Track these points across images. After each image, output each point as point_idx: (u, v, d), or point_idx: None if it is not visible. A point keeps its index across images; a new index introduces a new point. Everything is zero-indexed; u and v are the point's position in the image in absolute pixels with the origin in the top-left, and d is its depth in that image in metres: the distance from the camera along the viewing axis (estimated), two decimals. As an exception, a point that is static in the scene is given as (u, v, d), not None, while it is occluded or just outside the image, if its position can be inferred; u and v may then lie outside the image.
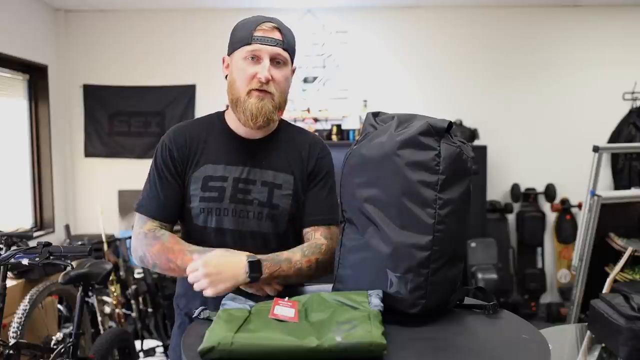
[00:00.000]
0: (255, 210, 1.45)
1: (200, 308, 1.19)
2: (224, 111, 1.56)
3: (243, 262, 1.29)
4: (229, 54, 1.47)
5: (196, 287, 1.27)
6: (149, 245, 1.42)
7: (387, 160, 1.16)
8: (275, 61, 1.42)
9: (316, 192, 1.50)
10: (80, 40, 5.03)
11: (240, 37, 1.42)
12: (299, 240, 1.51)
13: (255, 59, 1.41)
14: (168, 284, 4.25)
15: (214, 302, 1.24)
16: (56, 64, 4.86)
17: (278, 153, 1.50)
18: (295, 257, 1.38)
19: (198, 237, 1.47)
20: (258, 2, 4.70)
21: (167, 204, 1.47)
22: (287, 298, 1.17)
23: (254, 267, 1.29)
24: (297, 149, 1.52)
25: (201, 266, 1.27)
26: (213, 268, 1.26)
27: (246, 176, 1.46)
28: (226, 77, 1.48)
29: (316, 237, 1.47)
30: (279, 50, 1.41)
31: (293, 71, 1.51)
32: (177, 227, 1.54)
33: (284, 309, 1.11)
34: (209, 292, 1.26)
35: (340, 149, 1.99)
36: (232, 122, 1.51)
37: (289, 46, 1.44)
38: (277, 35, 1.41)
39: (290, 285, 1.40)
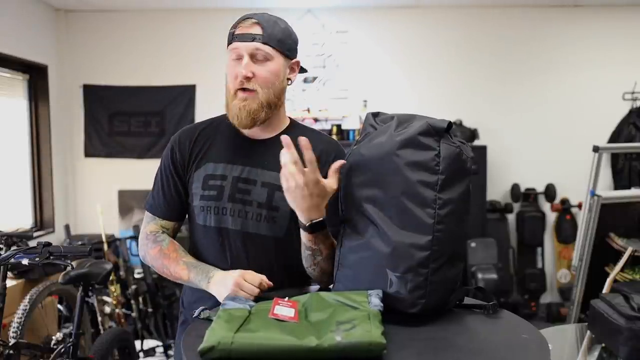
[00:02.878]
0: (254, 212, 1.42)
1: (200, 308, 1.19)
2: None
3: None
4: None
5: None
6: (149, 247, 1.48)
7: (387, 160, 1.16)
8: (256, 57, 1.38)
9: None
10: (80, 40, 5.03)
11: (228, 37, 1.42)
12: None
13: (239, 58, 1.38)
14: (168, 284, 4.25)
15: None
16: (56, 64, 4.86)
17: None
18: None
19: (201, 236, 1.47)
20: (258, 2, 4.70)
21: (170, 203, 1.50)
22: (287, 298, 1.17)
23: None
24: None
25: None
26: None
27: (246, 176, 1.44)
28: None
29: None
30: (256, 44, 1.37)
31: (296, 64, 1.47)
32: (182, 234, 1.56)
33: (283, 309, 1.11)
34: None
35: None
36: None
37: (270, 39, 1.38)
38: (255, 30, 1.38)
39: (290, 286, 1.39)
